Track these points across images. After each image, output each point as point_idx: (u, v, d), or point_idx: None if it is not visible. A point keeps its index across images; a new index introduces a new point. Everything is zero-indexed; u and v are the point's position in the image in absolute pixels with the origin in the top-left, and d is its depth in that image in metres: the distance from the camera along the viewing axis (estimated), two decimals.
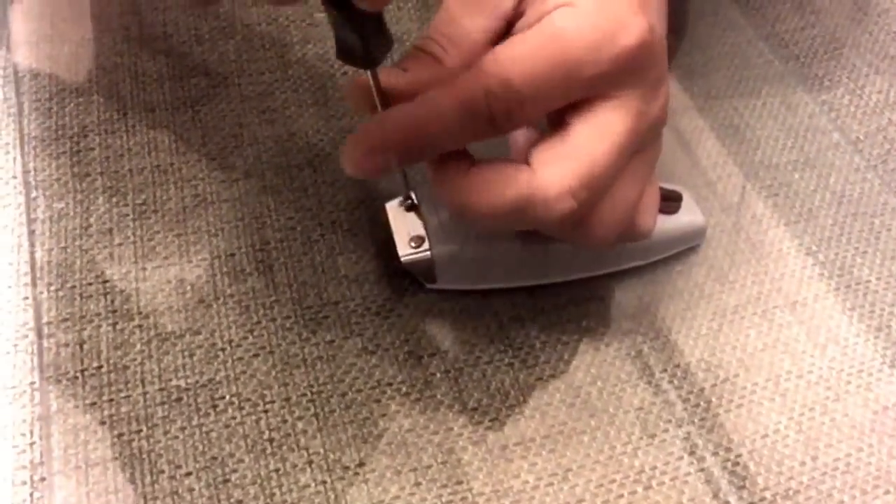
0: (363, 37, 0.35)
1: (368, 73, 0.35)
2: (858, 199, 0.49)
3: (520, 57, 0.35)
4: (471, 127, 0.35)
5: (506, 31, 0.37)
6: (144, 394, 0.39)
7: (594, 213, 0.36)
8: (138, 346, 0.40)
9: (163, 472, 0.37)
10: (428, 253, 0.41)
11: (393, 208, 0.43)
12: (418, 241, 0.41)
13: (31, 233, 0.43)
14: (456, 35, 0.37)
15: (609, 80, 0.35)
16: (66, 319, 0.41)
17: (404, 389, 0.40)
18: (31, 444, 0.37)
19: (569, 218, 0.35)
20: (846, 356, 0.43)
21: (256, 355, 0.41)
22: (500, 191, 0.35)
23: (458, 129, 0.35)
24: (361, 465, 0.38)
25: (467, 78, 0.35)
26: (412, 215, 0.42)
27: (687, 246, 0.46)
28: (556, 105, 0.36)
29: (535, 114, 0.35)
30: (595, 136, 0.35)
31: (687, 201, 0.45)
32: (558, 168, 0.35)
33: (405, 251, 0.42)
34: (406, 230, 0.42)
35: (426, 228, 0.42)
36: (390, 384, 0.40)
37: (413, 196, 0.42)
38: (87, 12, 0.53)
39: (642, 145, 0.37)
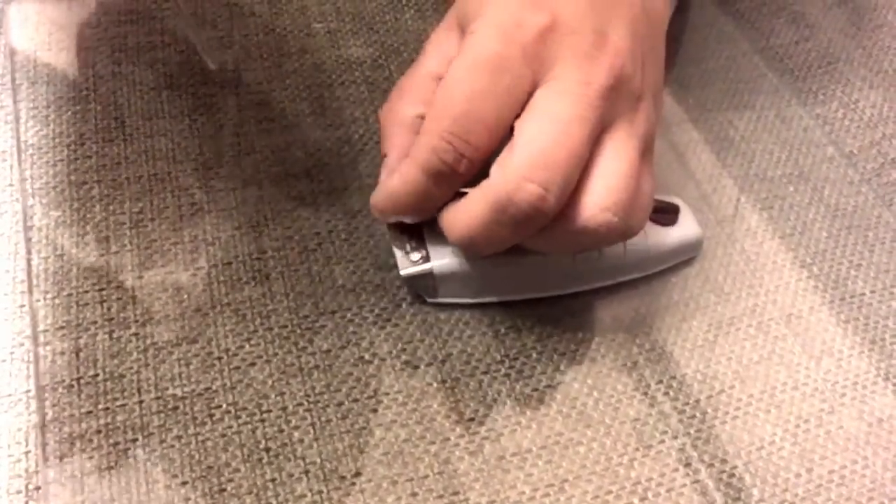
0: None
1: None
2: (853, 213, 0.49)
3: (447, 101, 0.37)
4: (440, 183, 0.38)
5: None
6: (140, 402, 0.39)
7: (579, 193, 0.36)
8: (134, 355, 0.40)
9: (158, 481, 0.37)
10: (429, 267, 0.41)
11: (394, 221, 0.43)
12: (419, 255, 0.41)
13: (28, 240, 0.43)
14: (441, 50, 0.40)
15: (536, 65, 0.36)
16: (62, 327, 0.41)
17: (401, 399, 0.40)
18: (27, 452, 0.37)
19: (543, 205, 0.35)
20: (841, 369, 0.43)
21: (253, 364, 0.41)
22: (473, 208, 0.37)
23: (431, 190, 0.38)
24: (358, 474, 0.38)
25: (419, 147, 0.38)
26: (412, 229, 0.42)
27: (684, 258, 0.46)
28: (503, 122, 0.36)
29: (489, 142, 0.37)
30: (533, 122, 0.36)
31: (684, 213, 0.46)
32: (507, 164, 0.36)
33: (405, 265, 0.42)
34: (406, 244, 0.42)
35: (426, 242, 0.42)
36: (387, 394, 0.40)
37: None
38: (85, 21, 0.53)
39: (608, 117, 0.37)
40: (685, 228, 0.45)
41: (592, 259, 0.43)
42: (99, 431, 0.38)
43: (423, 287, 0.42)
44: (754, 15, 0.59)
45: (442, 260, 0.41)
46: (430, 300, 0.43)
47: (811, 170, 0.51)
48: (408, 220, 0.41)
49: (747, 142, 0.52)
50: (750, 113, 0.53)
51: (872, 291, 0.46)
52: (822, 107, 0.54)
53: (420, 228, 0.42)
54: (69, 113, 0.48)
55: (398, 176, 0.39)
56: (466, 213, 0.37)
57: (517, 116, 0.37)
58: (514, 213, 0.35)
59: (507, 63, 0.36)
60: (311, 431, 0.39)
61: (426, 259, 0.41)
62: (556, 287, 0.44)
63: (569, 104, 0.36)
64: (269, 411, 0.39)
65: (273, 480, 0.38)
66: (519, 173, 0.35)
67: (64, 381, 0.39)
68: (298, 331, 0.42)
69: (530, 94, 0.37)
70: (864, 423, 0.41)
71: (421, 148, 0.37)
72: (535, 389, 0.41)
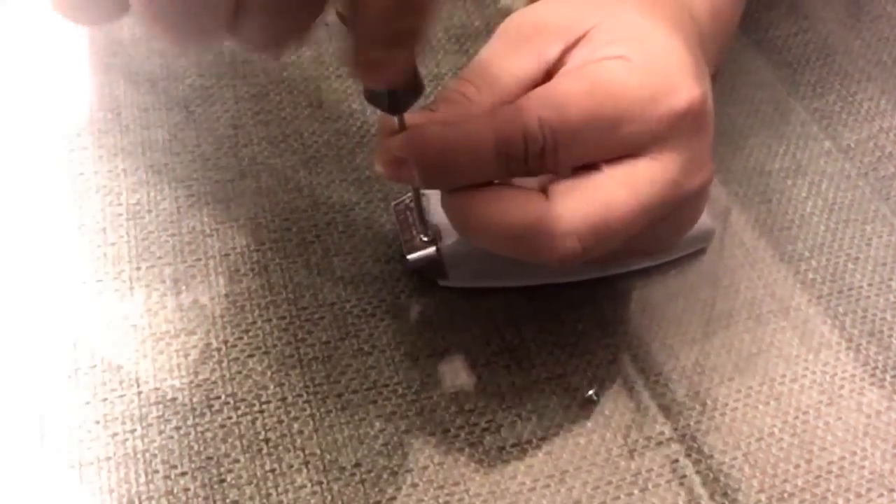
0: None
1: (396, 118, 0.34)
2: (850, 206, 0.49)
3: (562, 101, 0.34)
4: (503, 162, 0.34)
5: (544, 80, 0.36)
6: (139, 393, 0.39)
7: (591, 256, 0.36)
8: (133, 346, 0.40)
9: (157, 472, 0.37)
10: (434, 250, 0.41)
11: (400, 207, 0.43)
12: (427, 238, 0.41)
13: (25, 234, 0.43)
14: (492, 77, 0.36)
15: (649, 142, 0.35)
16: (60, 319, 0.41)
17: (400, 391, 0.40)
18: (25, 443, 0.37)
19: (569, 260, 0.34)
20: (839, 361, 0.43)
21: (252, 356, 0.40)
22: (509, 211, 0.34)
23: (489, 160, 0.34)
24: (358, 465, 0.38)
25: (507, 112, 0.34)
26: (419, 213, 0.41)
27: (694, 249, 0.46)
28: (592, 156, 0.35)
29: (570, 160, 0.35)
30: (620, 185, 0.35)
31: None
32: (572, 205, 0.34)
33: (412, 250, 0.41)
34: (412, 228, 0.41)
35: (434, 225, 0.41)
36: (386, 385, 0.40)
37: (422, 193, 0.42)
38: None
39: (669, 214, 0.36)
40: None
41: None
42: (97, 422, 0.38)
43: (431, 271, 0.42)
44: (752, 6, 0.58)
45: (451, 243, 0.41)
46: (441, 283, 0.43)
47: (808, 164, 0.51)
48: (417, 178, 0.35)
49: (745, 136, 0.52)
50: (748, 107, 0.53)
51: (870, 284, 0.46)
52: (820, 100, 0.54)
53: (429, 211, 0.41)
54: (65, 105, 0.48)
55: (465, 128, 0.34)
56: (501, 214, 0.34)
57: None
58: (544, 250, 0.34)
59: (635, 121, 0.34)
60: (311, 422, 0.39)
61: (433, 242, 0.41)
62: (568, 273, 0.43)
63: (653, 193, 0.35)
64: (268, 402, 0.39)
65: (273, 471, 0.37)
66: (575, 224, 0.34)
67: (62, 371, 0.39)
68: (297, 322, 0.42)
69: (631, 153, 0.35)
70: (862, 415, 0.42)
71: (511, 116, 0.34)
72: (535, 381, 0.41)
